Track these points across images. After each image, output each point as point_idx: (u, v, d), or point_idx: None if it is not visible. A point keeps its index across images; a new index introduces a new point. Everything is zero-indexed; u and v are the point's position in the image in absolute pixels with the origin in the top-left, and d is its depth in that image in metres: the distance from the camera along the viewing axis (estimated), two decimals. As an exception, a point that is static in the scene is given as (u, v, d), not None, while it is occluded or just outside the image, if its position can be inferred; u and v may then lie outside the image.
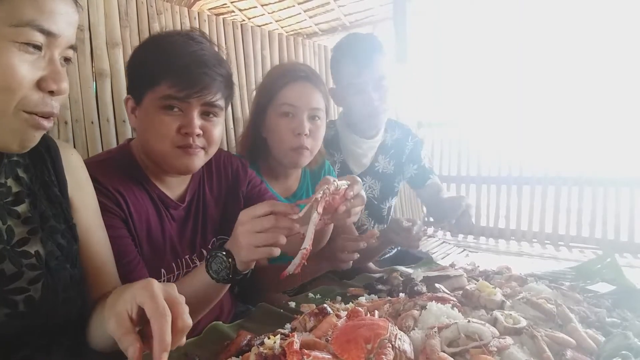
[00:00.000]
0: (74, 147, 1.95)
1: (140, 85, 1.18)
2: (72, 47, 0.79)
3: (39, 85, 0.73)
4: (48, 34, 0.72)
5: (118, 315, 0.67)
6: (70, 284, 0.86)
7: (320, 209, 0.91)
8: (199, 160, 1.20)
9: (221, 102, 1.21)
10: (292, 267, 0.91)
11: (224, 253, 0.98)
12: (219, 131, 1.23)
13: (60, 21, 0.74)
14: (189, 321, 0.67)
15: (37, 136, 0.78)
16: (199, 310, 1.08)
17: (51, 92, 0.75)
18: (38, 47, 0.72)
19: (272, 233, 0.93)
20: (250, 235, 0.94)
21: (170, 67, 1.13)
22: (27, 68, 0.71)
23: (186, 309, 0.68)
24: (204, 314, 1.12)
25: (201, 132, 1.16)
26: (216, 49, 1.24)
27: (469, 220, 1.71)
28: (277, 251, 0.94)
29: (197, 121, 1.15)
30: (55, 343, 0.87)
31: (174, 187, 1.29)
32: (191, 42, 1.17)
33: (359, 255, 1.36)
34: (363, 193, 1.04)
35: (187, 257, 1.28)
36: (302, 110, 1.57)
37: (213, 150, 1.24)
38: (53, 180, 0.90)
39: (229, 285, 1.05)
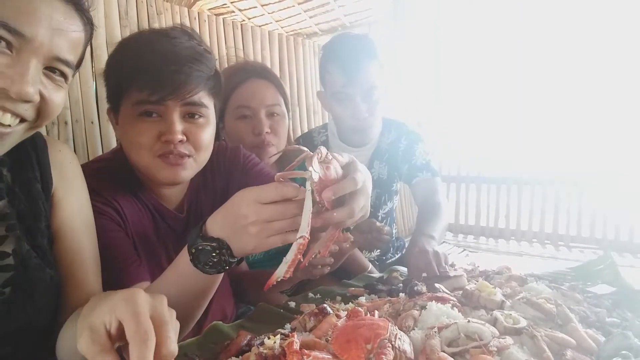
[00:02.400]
0: (74, 147, 1.95)
1: (114, 93, 1.10)
2: (63, 62, 0.75)
3: None
4: (17, 34, 0.68)
5: (93, 329, 0.55)
6: (50, 287, 0.82)
7: (315, 179, 0.71)
8: (186, 170, 1.09)
9: (206, 100, 1.09)
10: (282, 269, 0.74)
11: (214, 245, 0.81)
12: (208, 134, 1.10)
13: (37, 24, 0.70)
14: (174, 348, 0.57)
15: None
16: (195, 308, 0.97)
17: (6, 92, 0.69)
18: (5, 46, 0.68)
19: (288, 220, 0.77)
20: (262, 225, 0.77)
21: (139, 69, 1.02)
22: None
23: (174, 331, 0.59)
24: (203, 309, 1.00)
25: (184, 137, 1.05)
26: (199, 43, 1.10)
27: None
28: (293, 237, 0.76)
29: (179, 125, 1.04)
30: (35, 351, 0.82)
31: (171, 196, 1.21)
32: (163, 39, 1.05)
33: (332, 261, 1.25)
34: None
35: None
36: (259, 109, 1.54)
37: (204, 157, 1.13)
38: (36, 176, 0.87)
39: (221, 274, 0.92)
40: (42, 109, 0.75)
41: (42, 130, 1.83)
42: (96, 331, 0.55)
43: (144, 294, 0.59)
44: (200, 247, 0.82)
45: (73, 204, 0.93)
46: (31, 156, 0.89)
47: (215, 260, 0.82)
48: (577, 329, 0.83)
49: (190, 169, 1.10)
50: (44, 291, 0.81)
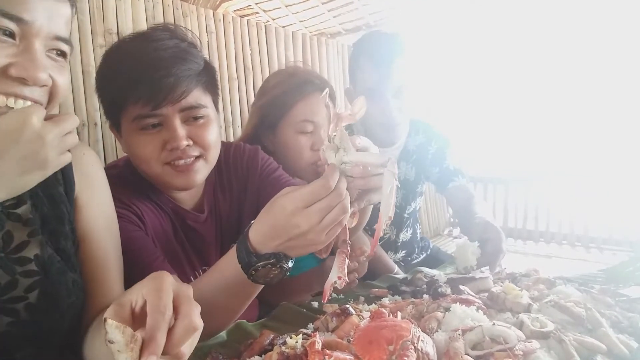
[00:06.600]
0: (103, 148, 2.00)
1: (110, 110, 1.10)
2: (62, 40, 0.76)
3: (6, 71, 0.69)
4: (18, 20, 0.69)
5: (120, 304, 0.56)
6: (73, 290, 0.82)
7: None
8: (199, 173, 1.09)
9: (203, 99, 1.08)
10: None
11: (272, 261, 0.80)
12: (213, 133, 1.10)
13: (35, 9, 0.71)
14: (198, 322, 0.56)
15: None
16: (241, 307, 0.95)
17: (23, 80, 0.70)
18: (8, 35, 0.69)
19: (338, 207, 0.75)
20: (316, 228, 0.75)
21: (127, 82, 1.01)
22: None
23: (197, 310, 0.57)
24: (245, 307, 0.96)
25: (190, 141, 1.05)
26: (182, 39, 1.08)
27: (492, 256, 1.33)
28: (346, 218, 0.78)
29: (182, 131, 1.04)
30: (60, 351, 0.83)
31: (187, 198, 1.21)
32: (144, 45, 1.04)
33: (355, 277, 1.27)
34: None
35: (204, 268, 1.22)
36: (321, 125, 1.53)
37: (213, 155, 1.12)
38: (59, 179, 0.87)
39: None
40: (52, 91, 0.76)
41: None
42: (122, 306, 0.56)
43: (171, 277, 0.58)
44: (259, 268, 0.81)
45: (96, 209, 0.93)
46: None
47: (276, 272, 0.82)
48: (607, 334, 0.81)
49: (203, 169, 1.11)
50: (67, 295, 0.81)
